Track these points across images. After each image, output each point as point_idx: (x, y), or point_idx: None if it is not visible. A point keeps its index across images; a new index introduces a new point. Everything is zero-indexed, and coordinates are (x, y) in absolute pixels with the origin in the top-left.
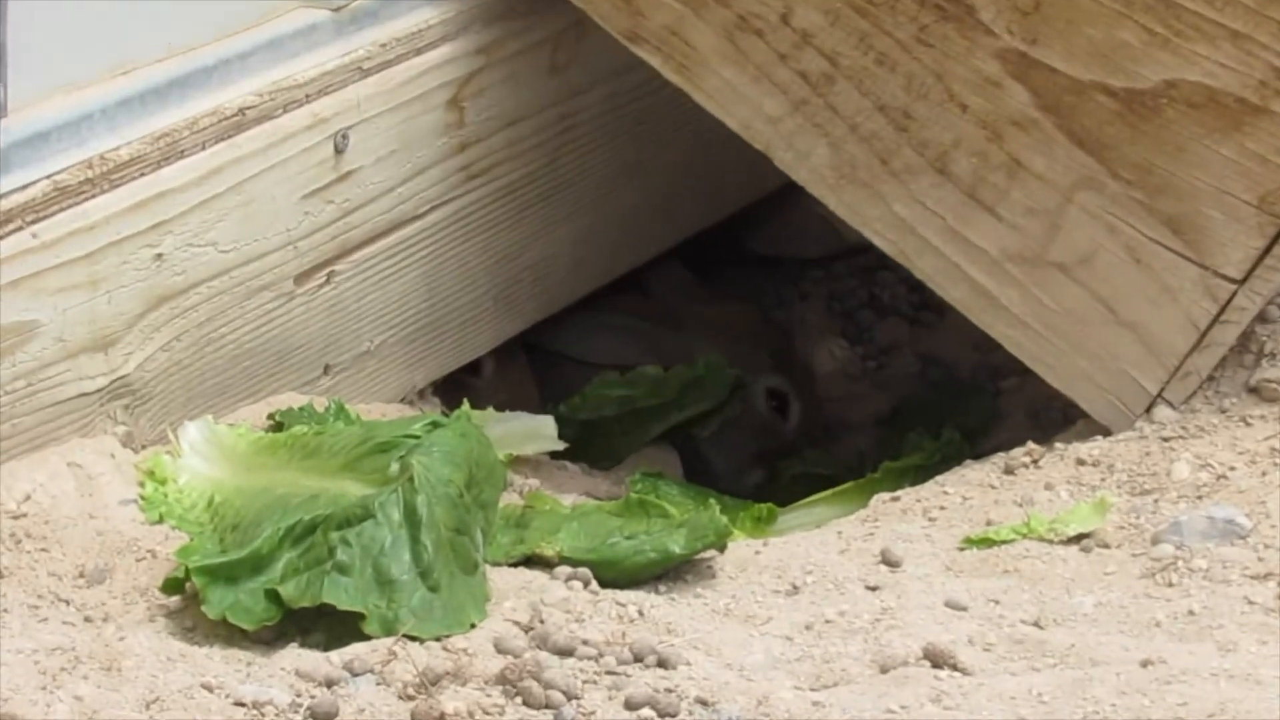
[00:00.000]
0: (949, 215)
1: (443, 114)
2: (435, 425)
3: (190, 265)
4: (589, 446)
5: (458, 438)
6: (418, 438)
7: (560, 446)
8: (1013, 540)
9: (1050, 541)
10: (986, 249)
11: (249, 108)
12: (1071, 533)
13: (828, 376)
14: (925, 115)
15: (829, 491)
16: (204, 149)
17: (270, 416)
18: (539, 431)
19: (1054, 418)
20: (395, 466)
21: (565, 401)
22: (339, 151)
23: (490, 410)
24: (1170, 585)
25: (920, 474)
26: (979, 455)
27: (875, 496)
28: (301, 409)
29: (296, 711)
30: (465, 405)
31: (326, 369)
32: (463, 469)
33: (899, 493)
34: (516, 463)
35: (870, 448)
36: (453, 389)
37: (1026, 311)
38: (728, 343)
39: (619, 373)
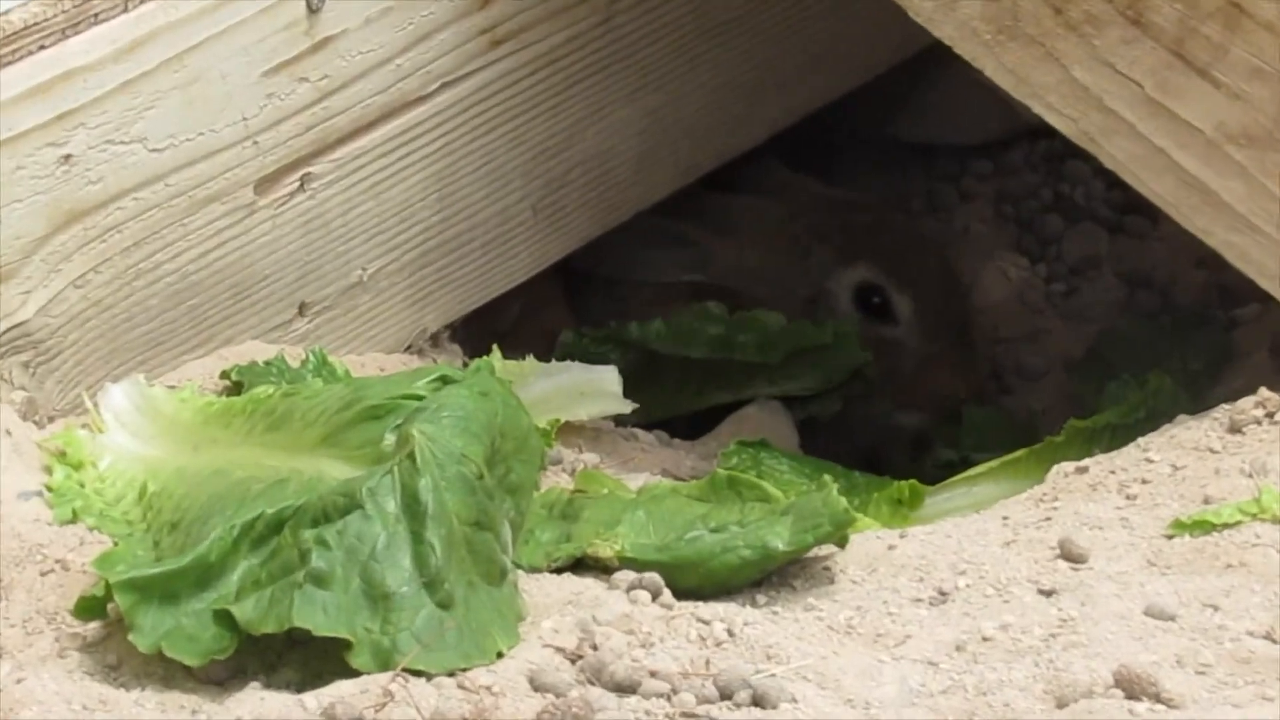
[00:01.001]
0: (1147, 81)
1: None
2: (445, 381)
3: (111, 170)
4: (644, 390)
5: (476, 398)
6: (421, 398)
7: (627, 408)
8: (1239, 523)
9: None
10: (1199, 126)
11: None
12: None
13: (999, 305)
14: None
15: (994, 461)
16: (127, 9)
17: (225, 375)
18: (598, 387)
19: None
20: (391, 439)
21: (642, 323)
22: (314, 10)
23: (530, 360)
24: None
25: (1118, 435)
26: (1205, 408)
27: (1055, 468)
28: (268, 363)
29: None
30: (495, 353)
31: (302, 308)
32: (482, 440)
33: (1087, 462)
34: (567, 431)
35: (1055, 402)
36: (479, 333)
37: (1255, 209)
38: (800, 241)
39: (695, 298)
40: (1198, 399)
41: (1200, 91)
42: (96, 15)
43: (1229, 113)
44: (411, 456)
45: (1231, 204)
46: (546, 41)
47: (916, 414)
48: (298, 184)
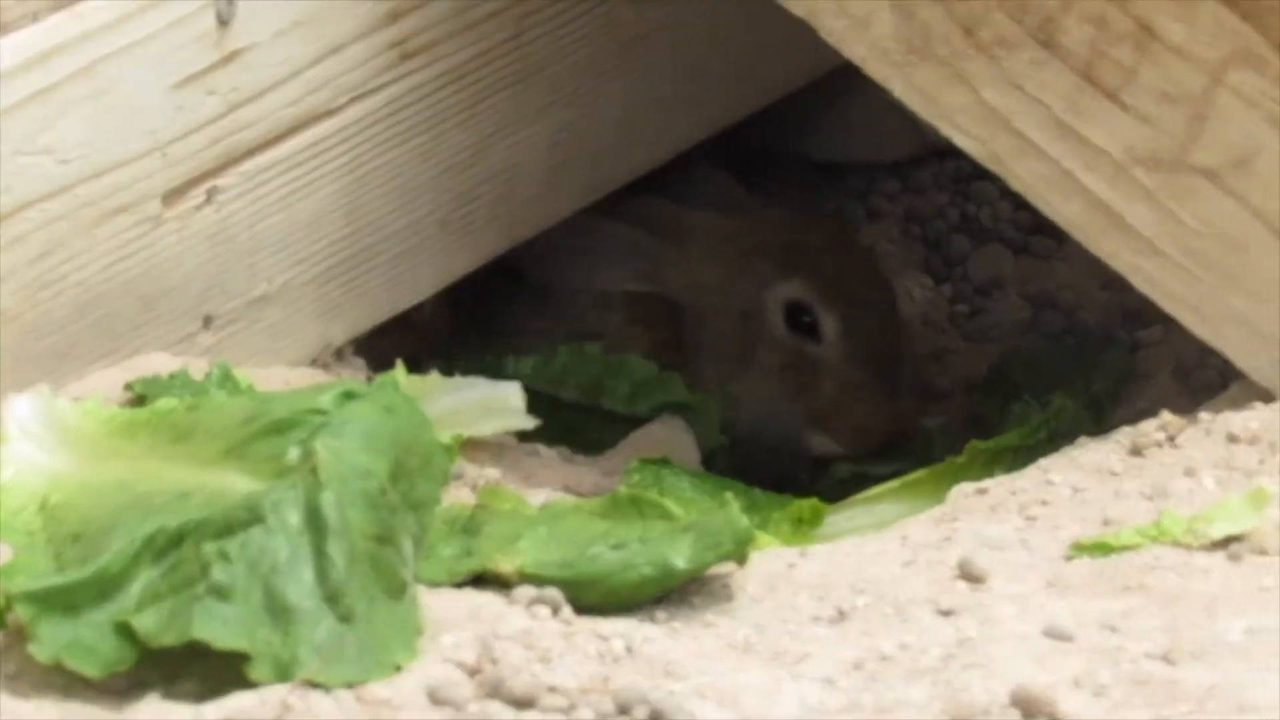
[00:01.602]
0: (1057, 104)
1: None
2: (350, 396)
3: (17, 181)
4: (552, 428)
5: (380, 413)
6: (325, 413)
7: (530, 424)
8: (1138, 545)
9: (1189, 547)
10: (1107, 149)
11: None
12: (1217, 534)
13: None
14: None
15: (895, 482)
16: (35, 20)
17: (129, 386)
18: (501, 403)
19: (1210, 379)
20: (295, 453)
21: (518, 358)
22: (223, 23)
23: (434, 375)
24: None
25: (1020, 456)
26: (1108, 430)
27: (956, 488)
28: (173, 376)
29: None
30: (399, 368)
31: (207, 321)
32: (387, 455)
33: (987, 483)
34: (471, 447)
35: (957, 423)
36: (384, 347)
37: (1161, 234)
38: (747, 256)
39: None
40: (1101, 420)
41: (1109, 115)
42: (5, 25)
43: (1137, 136)
44: (315, 471)
45: (1138, 228)
46: (456, 56)
47: (830, 444)
48: (205, 197)
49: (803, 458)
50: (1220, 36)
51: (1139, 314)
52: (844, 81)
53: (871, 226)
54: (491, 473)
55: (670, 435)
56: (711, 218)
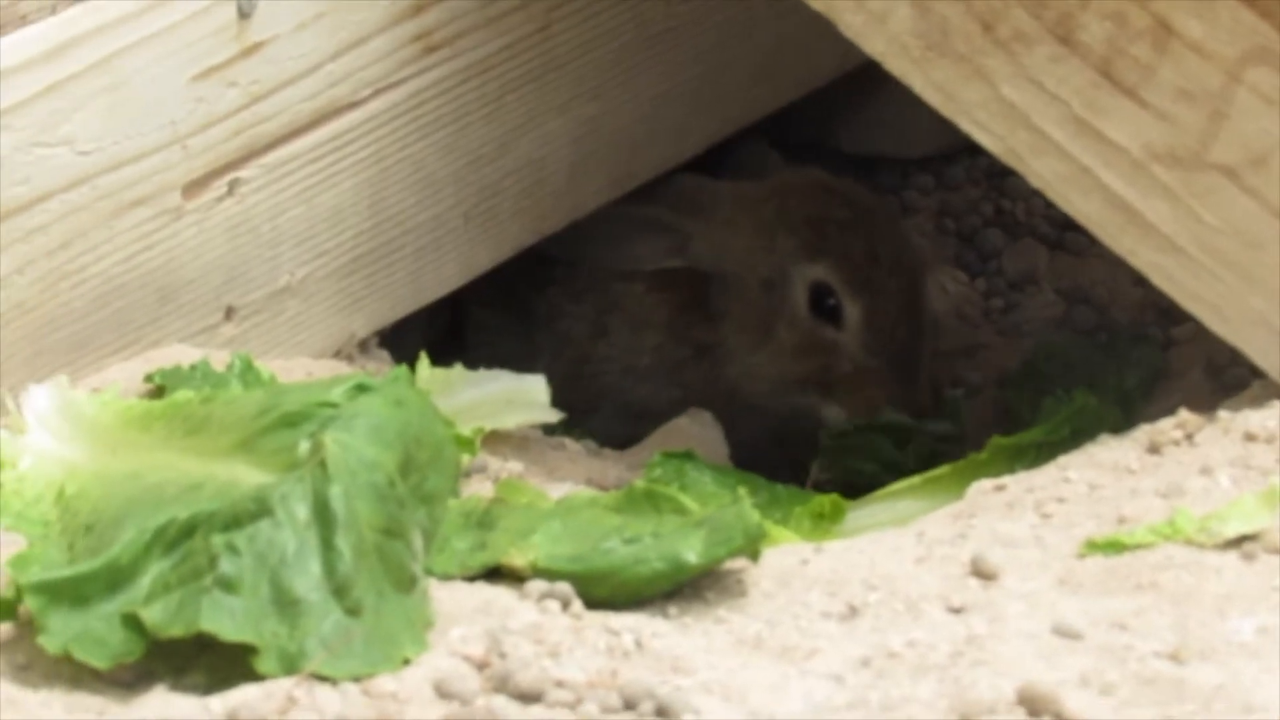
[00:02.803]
0: (1075, 100)
1: None
2: (361, 389)
3: (37, 172)
4: None
5: (390, 406)
6: (336, 406)
7: (554, 417)
8: (1151, 544)
9: (1201, 545)
10: (1126, 146)
11: None
12: (1230, 533)
13: (938, 319)
14: None
15: (917, 478)
16: (54, 12)
17: (149, 378)
18: (525, 395)
19: (1243, 377)
20: (305, 445)
21: None
22: (244, 15)
23: (458, 368)
24: None
25: (1042, 453)
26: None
27: (974, 485)
28: (193, 367)
29: None
30: (422, 360)
31: (229, 312)
32: (395, 449)
33: (1005, 479)
34: (494, 440)
35: (991, 417)
36: (407, 339)
37: (1180, 231)
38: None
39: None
40: (1131, 416)
41: (1127, 112)
42: (24, 17)
43: (1155, 133)
44: (323, 464)
45: (1156, 224)
46: (481, 49)
47: (842, 415)
48: (226, 189)
49: (813, 428)
50: (1238, 34)
51: (1171, 311)
52: (876, 76)
53: (905, 221)
54: (514, 466)
55: (698, 429)
56: (737, 185)
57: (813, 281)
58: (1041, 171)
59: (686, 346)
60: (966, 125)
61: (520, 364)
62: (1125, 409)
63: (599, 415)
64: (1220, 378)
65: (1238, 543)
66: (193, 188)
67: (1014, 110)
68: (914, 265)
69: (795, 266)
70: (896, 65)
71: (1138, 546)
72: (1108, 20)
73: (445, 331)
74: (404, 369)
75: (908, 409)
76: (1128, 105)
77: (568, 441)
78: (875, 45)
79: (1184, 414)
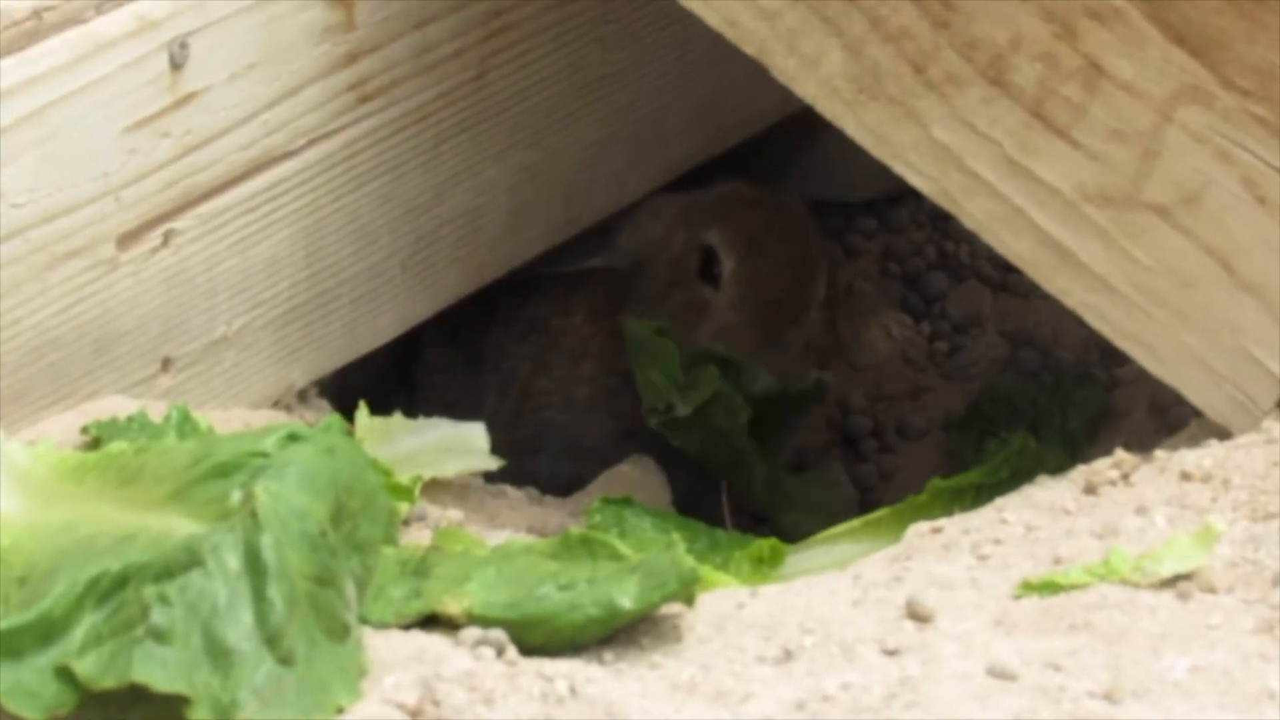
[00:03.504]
0: (1007, 141)
1: (323, 12)
2: (293, 438)
3: None
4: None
5: (321, 455)
6: (268, 456)
7: (494, 465)
8: (1086, 584)
9: (1136, 585)
10: (1058, 186)
11: (47, 9)
12: (1165, 573)
13: (882, 364)
14: (972, 4)
15: (856, 521)
16: None
17: (85, 430)
18: (465, 443)
19: (1186, 416)
20: (237, 495)
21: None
22: (177, 66)
23: (397, 416)
24: None
25: (982, 495)
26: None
27: (912, 527)
28: (130, 418)
29: None
30: (362, 409)
31: (166, 363)
32: (326, 497)
33: (942, 521)
34: (434, 488)
35: (935, 460)
36: (350, 388)
37: (1113, 271)
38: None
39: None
40: (1076, 457)
41: (1059, 152)
42: None
43: (1088, 173)
44: (254, 513)
45: (1089, 264)
46: (416, 98)
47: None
48: (161, 239)
49: None
50: (1168, 73)
51: (1115, 352)
52: (818, 120)
53: (849, 265)
54: (454, 514)
55: (640, 474)
56: (669, 194)
57: (702, 246)
58: (975, 212)
59: (616, 374)
60: (899, 168)
61: (469, 403)
62: (1070, 450)
63: (545, 455)
64: (1164, 417)
65: (1173, 582)
66: (127, 239)
67: (946, 152)
68: (810, 248)
69: (695, 237)
70: (829, 108)
71: (1073, 587)
72: (1039, 61)
73: (397, 370)
74: (336, 417)
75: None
76: (1060, 145)
77: (509, 489)
78: (807, 89)
79: (1120, 454)
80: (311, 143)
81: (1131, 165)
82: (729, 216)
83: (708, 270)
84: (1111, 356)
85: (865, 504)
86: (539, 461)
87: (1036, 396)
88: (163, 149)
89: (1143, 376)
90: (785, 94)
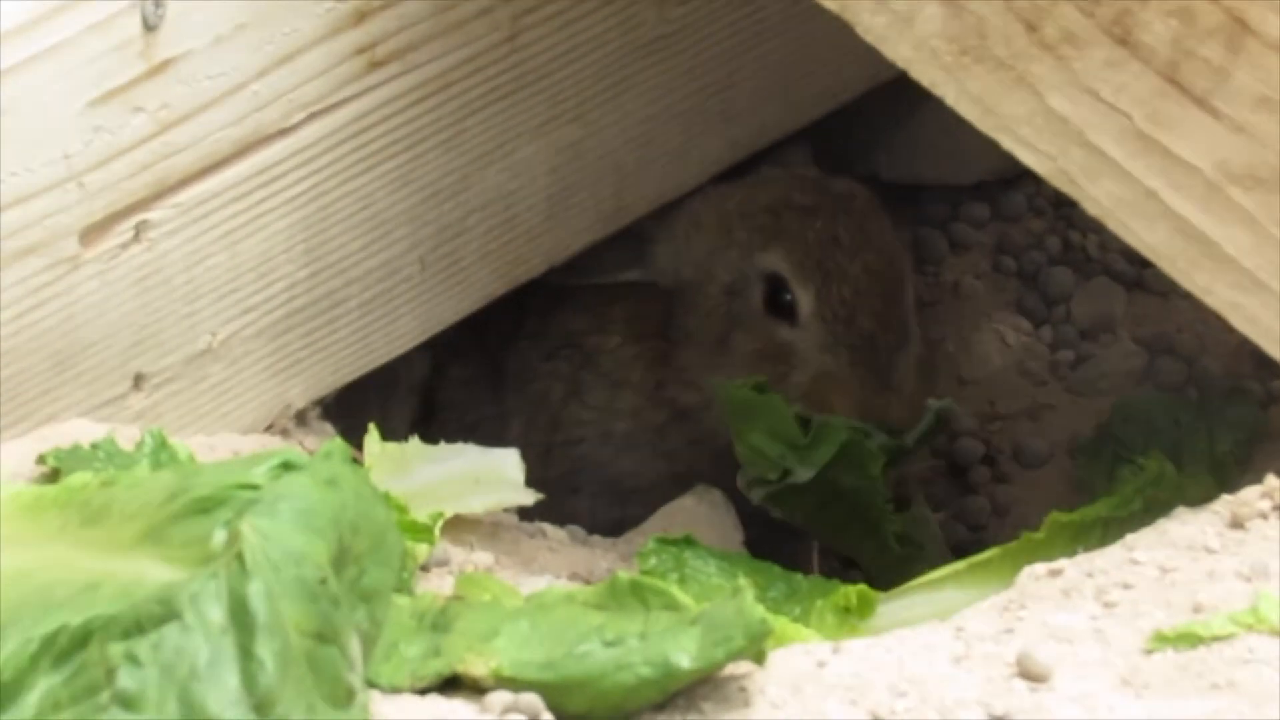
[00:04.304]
0: (1136, 112)
1: None
2: (287, 467)
3: None
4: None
5: (321, 487)
6: (257, 488)
7: (530, 499)
8: (1231, 635)
9: None
10: (1197, 165)
11: None
12: None
13: (996, 376)
14: None
15: (961, 562)
16: None
17: (42, 459)
18: (495, 473)
19: None
20: (221, 535)
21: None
22: (150, 27)
23: (414, 442)
24: None
25: (1110, 530)
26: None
27: (1026, 569)
28: (95, 445)
29: None
30: (372, 432)
31: (138, 380)
32: (327, 538)
33: (1062, 562)
34: (458, 526)
35: (1060, 490)
36: (358, 409)
37: (1263, 264)
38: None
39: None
40: (1226, 486)
41: (1198, 123)
42: None
43: (1231, 149)
44: (241, 557)
45: (1235, 257)
46: (438, 63)
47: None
48: (132, 233)
49: None
50: None
51: (1273, 361)
52: (917, 90)
53: (956, 259)
54: (482, 557)
55: (705, 509)
56: (708, 189)
57: (766, 274)
58: (1098, 196)
59: (662, 407)
60: (1010, 143)
61: (490, 429)
62: (1219, 478)
63: (582, 495)
64: None
65: None
66: (92, 233)
67: (1065, 124)
68: (889, 251)
69: (749, 261)
70: (925, 74)
71: (1215, 639)
72: (1173, 18)
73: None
74: (339, 442)
75: (874, 414)
76: (1198, 116)
77: (548, 527)
78: (900, 51)
79: (1272, 481)
80: (312, 117)
81: None
82: (785, 232)
83: (776, 302)
84: (1268, 367)
85: (976, 544)
86: (578, 501)
87: (1179, 415)
88: (134, 126)
89: None
90: (875, 60)
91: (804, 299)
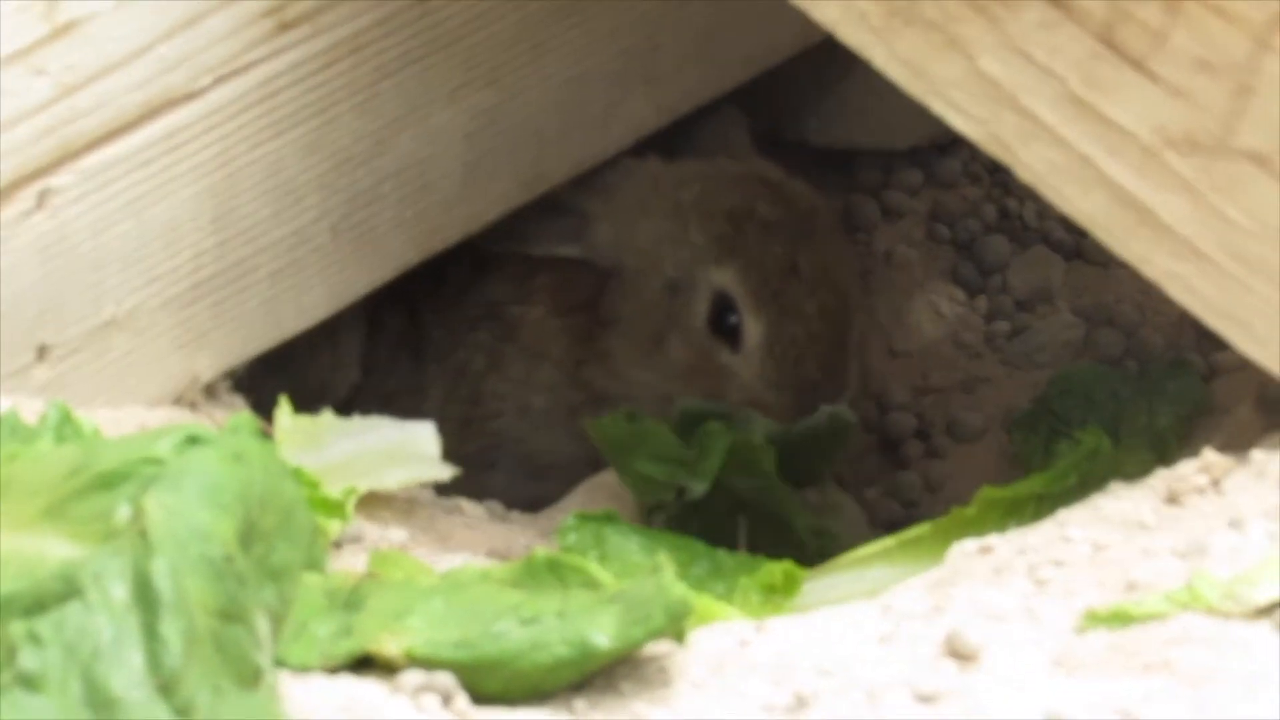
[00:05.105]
0: (1071, 75)
1: None
2: (193, 442)
3: None
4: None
5: (228, 462)
6: (162, 463)
7: (446, 474)
8: (1166, 614)
9: (1226, 615)
10: (1133, 130)
11: None
12: (1262, 600)
13: (929, 348)
14: None
15: (890, 539)
16: None
17: None
18: (410, 448)
19: None
20: (124, 511)
21: None
22: None
23: (327, 415)
24: None
25: (1044, 506)
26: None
27: (956, 546)
28: None
29: None
30: (283, 405)
31: (42, 351)
32: (234, 514)
33: (992, 539)
34: (373, 502)
35: (995, 466)
36: (277, 377)
37: (1201, 232)
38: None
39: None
40: (1164, 461)
41: (1134, 87)
42: None
43: (1169, 113)
44: (145, 533)
45: (1173, 225)
46: (348, 25)
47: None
48: (34, 201)
49: None
50: None
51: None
52: (844, 52)
53: (888, 227)
54: (397, 534)
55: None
56: (649, 165)
57: (717, 290)
58: (1032, 162)
59: (579, 389)
60: (940, 107)
61: (409, 399)
62: (1159, 453)
63: (498, 471)
64: (1276, 413)
65: (1270, 611)
66: None
67: (997, 88)
68: (844, 290)
69: (701, 269)
70: (853, 36)
71: (1149, 618)
72: None
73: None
74: (246, 416)
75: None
76: (1135, 80)
77: (465, 503)
78: (827, 13)
79: (1209, 455)
80: (219, 81)
81: (1222, 104)
82: (743, 250)
83: (721, 322)
84: (1210, 339)
85: (908, 521)
86: (494, 478)
87: (1118, 388)
88: (37, 90)
89: (1248, 364)
90: (803, 20)
91: (752, 328)
